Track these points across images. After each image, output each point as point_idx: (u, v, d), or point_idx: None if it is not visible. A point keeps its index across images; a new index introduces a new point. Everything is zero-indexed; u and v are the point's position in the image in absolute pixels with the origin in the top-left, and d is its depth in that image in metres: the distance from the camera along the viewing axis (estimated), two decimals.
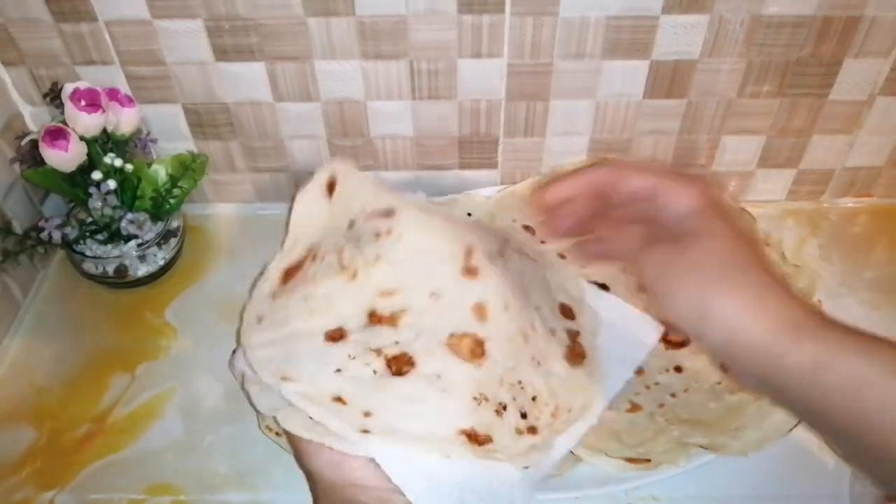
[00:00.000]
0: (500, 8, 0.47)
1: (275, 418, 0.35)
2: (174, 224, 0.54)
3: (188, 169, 0.53)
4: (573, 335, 0.42)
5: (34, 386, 0.48)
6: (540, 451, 0.36)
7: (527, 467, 0.36)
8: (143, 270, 0.52)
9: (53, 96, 0.49)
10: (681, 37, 0.49)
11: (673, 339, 0.46)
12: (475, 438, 0.35)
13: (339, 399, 0.34)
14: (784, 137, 0.55)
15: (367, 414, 0.34)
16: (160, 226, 0.53)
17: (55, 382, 0.48)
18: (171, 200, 0.53)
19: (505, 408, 0.36)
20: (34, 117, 0.54)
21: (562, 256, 0.48)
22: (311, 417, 0.34)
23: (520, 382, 0.37)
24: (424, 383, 0.35)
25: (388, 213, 0.40)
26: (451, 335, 0.37)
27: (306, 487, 0.42)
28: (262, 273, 0.41)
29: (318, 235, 0.42)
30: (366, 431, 0.33)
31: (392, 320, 0.37)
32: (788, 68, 0.51)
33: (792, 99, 0.53)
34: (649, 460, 0.40)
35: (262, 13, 0.47)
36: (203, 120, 0.54)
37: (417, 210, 0.40)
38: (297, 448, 0.36)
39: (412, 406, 0.35)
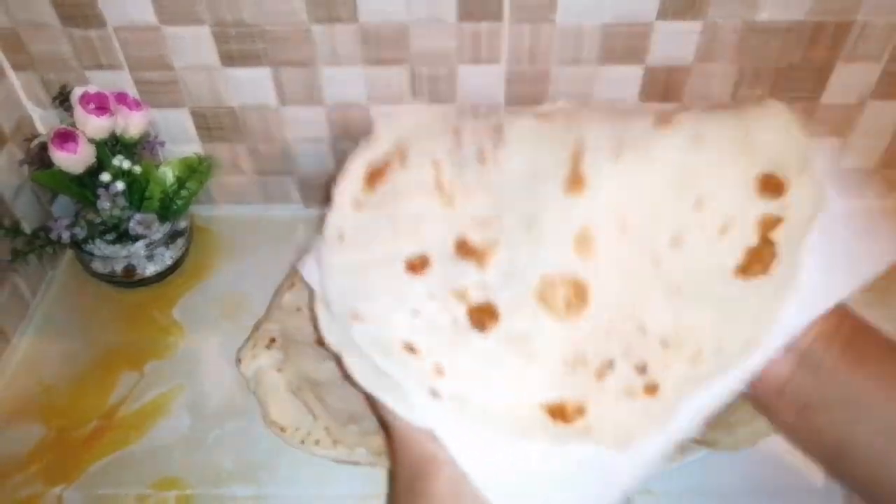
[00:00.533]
0: (498, 16, 0.48)
1: (340, 356, 0.31)
2: (182, 224, 0.55)
3: (195, 171, 0.54)
4: (767, 225, 0.29)
5: (43, 383, 0.49)
6: (656, 418, 0.29)
7: (627, 443, 0.29)
8: (151, 270, 0.53)
9: (62, 100, 0.50)
10: (674, 43, 0.49)
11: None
12: (562, 414, 0.29)
13: (410, 348, 0.30)
14: None
15: (439, 371, 0.29)
16: (168, 226, 0.53)
17: (64, 380, 0.49)
18: (179, 202, 0.53)
19: (612, 364, 0.29)
20: (43, 120, 0.55)
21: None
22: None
23: (641, 326, 0.29)
24: (507, 344, 0.29)
25: (498, 129, 0.34)
26: (544, 277, 0.30)
27: (309, 482, 0.43)
28: (340, 175, 0.36)
29: (411, 131, 0.36)
30: (435, 394, 0.29)
31: (482, 256, 0.31)
32: (780, 73, 0.51)
33: (784, 103, 0.53)
34: None
35: (268, 20, 0.48)
36: (210, 123, 0.55)
37: (528, 123, 0.33)
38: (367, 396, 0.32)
39: (489, 370, 0.29)
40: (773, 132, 0.31)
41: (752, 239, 0.29)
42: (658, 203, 0.30)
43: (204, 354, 0.50)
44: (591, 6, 0.48)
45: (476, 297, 0.30)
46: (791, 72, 0.51)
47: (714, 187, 0.30)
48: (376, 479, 0.42)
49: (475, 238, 0.32)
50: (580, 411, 0.29)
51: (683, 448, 0.40)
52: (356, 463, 0.42)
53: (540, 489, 0.28)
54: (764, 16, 0.48)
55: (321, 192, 0.60)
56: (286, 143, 0.56)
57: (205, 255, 0.57)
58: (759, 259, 0.29)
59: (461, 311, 0.30)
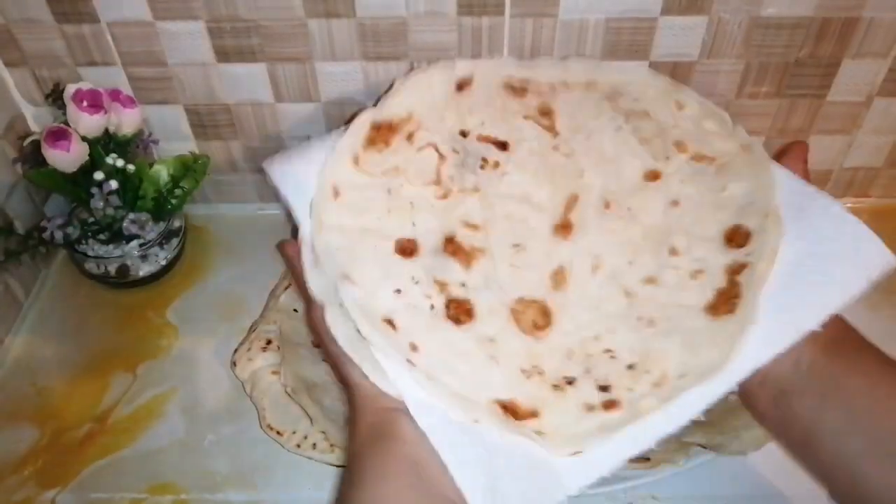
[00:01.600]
0: (499, 10, 0.47)
1: (322, 310, 0.33)
2: (176, 224, 0.55)
3: (189, 169, 0.53)
4: (734, 270, 0.34)
5: (36, 385, 0.48)
6: (612, 430, 0.31)
7: (576, 453, 0.31)
8: (144, 270, 0.53)
9: (55, 97, 0.49)
10: (679, 38, 0.49)
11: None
12: (513, 411, 0.32)
13: (390, 322, 0.33)
14: (783, 138, 0.55)
15: (413, 347, 0.32)
16: (162, 226, 0.53)
17: (57, 382, 0.48)
18: (173, 201, 0.53)
19: (572, 382, 0.33)
20: (36, 118, 0.54)
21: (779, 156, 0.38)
22: (358, 331, 0.32)
23: (608, 351, 0.33)
24: (475, 342, 0.33)
25: (503, 146, 0.38)
26: (520, 300, 0.35)
27: (305, 487, 0.42)
28: (348, 121, 0.38)
29: (425, 108, 0.39)
30: (410, 364, 0.32)
31: (467, 257, 0.35)
32: (787, 69, 0.51)
33: (790, 100, 0.53)
34: (649, 459, 0.40)
35: (264, 15, 0.48)
36: (204, 120, 0.54)
37: (531, 151, 0.38)
38: (339, 357, 0.33)
39: (456, 360, 0.33)
40: (747, 183, 0.36)
41: (721, 282, 0.34)
42: (634, 251, 0.36)
43: (198, 356, 0.50)
44: (594, 0, 0.47)
45: (455, 292, 0.34)
46: (797, 68, 0.51)
47: (687, 242, 0.35)
48: None
49: (463, 237, 0.36)
50: (534, 414, 0.32)
51: (689, 452, 0.40)
52: None
53: (490, 473, 0.30)
54: (770, 11, 0.47)
55: None
56: (282, 141, 0.56)
57: (200, 255, 0.57)
58: (726, 300, 0.33)
59: (440, 301, 0.34)
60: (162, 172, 0.53)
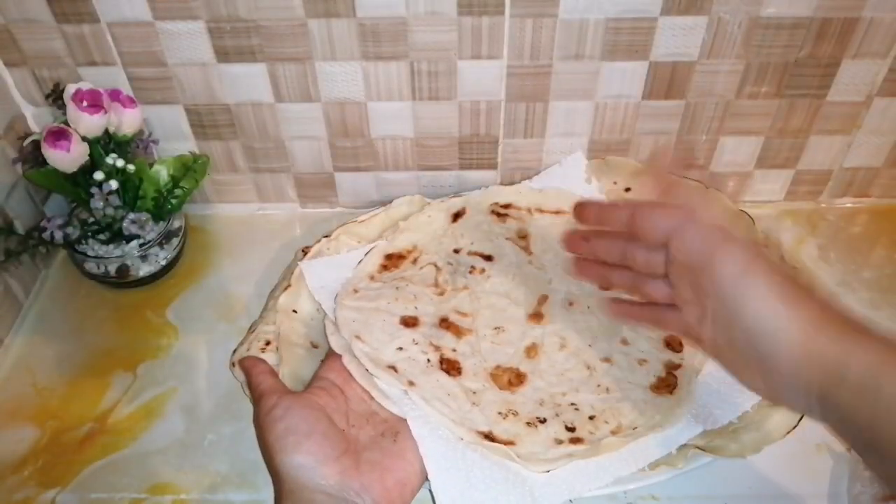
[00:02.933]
0: (499, 10, 0.47)
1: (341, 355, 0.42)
2: (176, 224, 0.55)
3: (189, 169, 0.53)
4: (672, 367, 0.44)
5: (36, 385, 0.48)
6: (576, 458, 0.39)
7: (547, 471, 0.38)
8: (144, 270, 0.52)
9: (55, 97, 0.49)
10: (679, 38, 0.49)
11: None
12: (491, 439, 0.39)
13: (393, 368, 0.42)
14: (782, 138, 0.55)
15: (411, 384, 0.41)
16: (162, 226, 0.53)
17: (57, 382, 0.48)
18: (173, 201, 0.53)
19: (543, 421, 0.41)
20: (36, 118, 0.54)
21: None
22: (367, 370, 0.41)
23: (573, 404, 0.42)
24: (461, 391, 0.42)
25: (489, 258, 0.50)
26: (498, 366, 0.44)
27: None
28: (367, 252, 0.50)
29: (426, 239, 0.51)
30: (406, 392, 0.40)
31: (458, 332, 0.45)
32: (787, 69, 0.51)
33: (790, 100, 0.53)
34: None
35: (264, 15, 0.48)
36: (204, 121, 0.54)
37: (510, 263, 0.50)
38: (273, 446, 0.36)
39: (445, 398, 0.41)
40: None
41: (661, 372, 0.44)
42: (593, 337, 0.46)
43: (198, 356, 0.50)
44: (594, 0, 0.47)
45: (448, 354, 0.44)
46: (797, 68, 0.51)
47: (635, 337, 0.46)
48: None
49: (455, 319, 0.46)
50: (510, 443, 0.39)
51: (687, 455, 0.40)
52: None
53: (467, 482, 0.37)
54: (770, 11, 0.47)
55: (318, 191, 0.59)
56: (282, 141, 0.56)
57: (199, 255, 0.57)
58: (666, 385, 0.43)
59: (434, 357, 0.44)
60: (162, 172, 0.53)
